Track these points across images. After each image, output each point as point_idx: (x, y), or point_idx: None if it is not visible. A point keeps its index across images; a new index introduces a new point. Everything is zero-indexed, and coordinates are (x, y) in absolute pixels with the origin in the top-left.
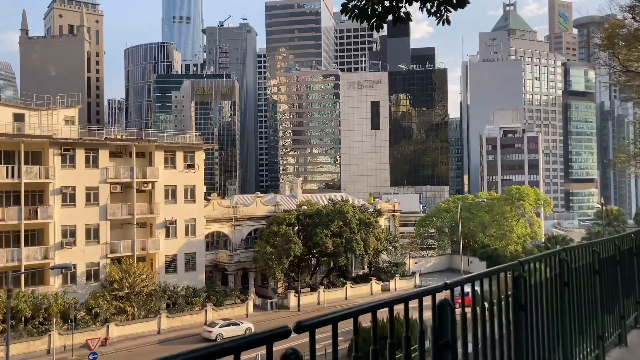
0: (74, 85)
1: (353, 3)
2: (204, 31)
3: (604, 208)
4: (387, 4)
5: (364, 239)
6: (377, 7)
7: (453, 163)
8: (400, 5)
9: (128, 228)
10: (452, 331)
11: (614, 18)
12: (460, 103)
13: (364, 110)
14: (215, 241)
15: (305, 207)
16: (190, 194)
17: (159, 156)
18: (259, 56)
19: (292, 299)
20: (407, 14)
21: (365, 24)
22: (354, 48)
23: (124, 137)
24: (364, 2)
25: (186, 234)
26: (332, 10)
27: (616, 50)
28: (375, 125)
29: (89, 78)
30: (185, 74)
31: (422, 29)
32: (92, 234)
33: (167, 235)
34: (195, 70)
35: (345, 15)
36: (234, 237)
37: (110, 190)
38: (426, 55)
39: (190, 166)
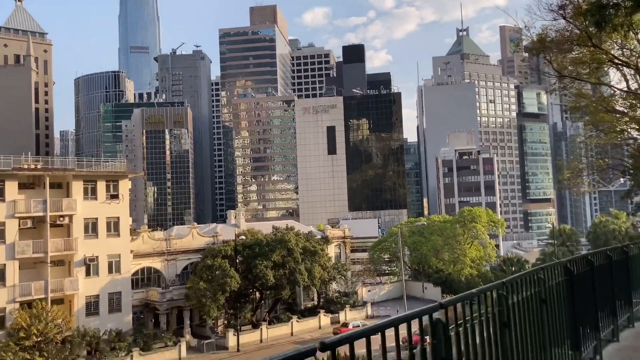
0: (20, 117)
1: None
2: (156, 59)
3: (558, 228)
4: None
5: (309, 269)
6: None
7: (413, 186)
8: None
9: (42, 267)
10: (446, 348)
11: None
12: (418, 127)
13: (320, 135)
14: (145, 278)
15: (243, 237)
16: (114, 227)
17: (77, 186)
18: (215, 84)
19: (231, 339)
20: None
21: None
22: (311, 75)
23: (38, 166)
24: None
25: (110, 271)
26: (287, 38)
27: (548, 54)
28: (331, 150)
29: (37, 109)
30: (137, 102)
31: (381, 57)
32: None
33: (88, 274)
34: (148, 99)
35: None
36: (168, 272)
37: (19, 225)
38: (382, 81)
39: (114, 196)
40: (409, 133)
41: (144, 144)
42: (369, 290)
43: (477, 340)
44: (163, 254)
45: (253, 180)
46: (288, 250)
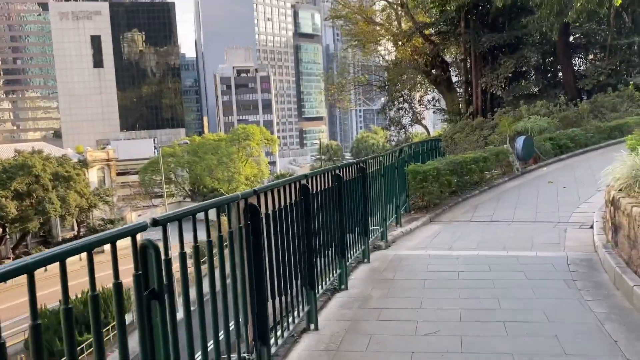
0: None
1: None
2: None
3: (327, 144)
4: None
5: (62, 196)
6: None
7: (193, 105)
8: None
9: None
10: (256, 228)
11: None
12: (196, 42)
13: (83, 46)
14: None
15: None
16: None
17: None
18: None
19: None
20: None
21: None
22: None
23: None
24: None
25: None
26: None
27: None
28: (98, 63)
29: None
30: None
31: None
32: None
33: None
34: None
35: None
36: None
37: None
38: None
39: None
40: (189, 49)
41: None
42: (139, 215)
43: (285, 222)
44: None
45: (4, 96)
46: (35, 177)
